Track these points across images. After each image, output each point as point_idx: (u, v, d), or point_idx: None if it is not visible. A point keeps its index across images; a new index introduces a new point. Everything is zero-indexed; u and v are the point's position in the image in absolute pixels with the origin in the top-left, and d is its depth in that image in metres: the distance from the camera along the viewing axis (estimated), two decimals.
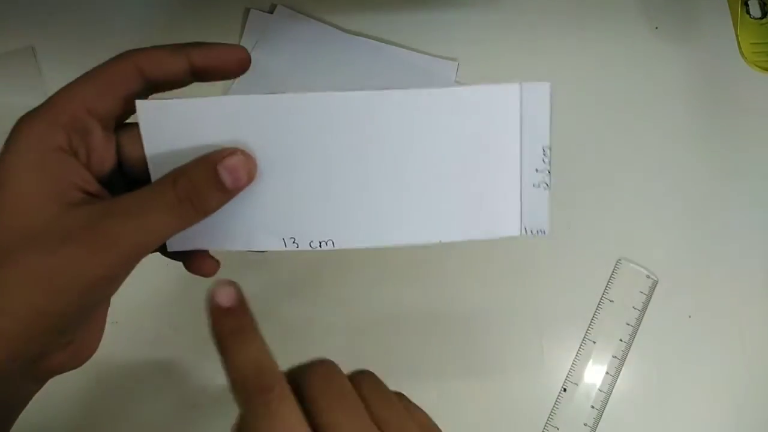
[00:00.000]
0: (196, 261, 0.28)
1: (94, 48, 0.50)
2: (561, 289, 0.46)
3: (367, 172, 0.26)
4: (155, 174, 0.25)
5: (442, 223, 0.27)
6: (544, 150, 0.26)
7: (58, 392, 0.43)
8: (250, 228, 0.26)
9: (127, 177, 0.26)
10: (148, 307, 0.45)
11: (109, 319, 0.44)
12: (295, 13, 0.50)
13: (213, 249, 0.28)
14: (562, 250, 0.46)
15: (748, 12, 0.47)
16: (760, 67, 0.46)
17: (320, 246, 0.27)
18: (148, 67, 0.25)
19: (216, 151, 0.24)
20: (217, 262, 0.28)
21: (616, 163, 0.48)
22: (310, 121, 0.25)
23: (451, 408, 0.44)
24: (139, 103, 0.25)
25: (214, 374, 0.44)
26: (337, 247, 0.27)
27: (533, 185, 0.27)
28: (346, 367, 0.42)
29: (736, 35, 0.46)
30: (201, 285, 0.45)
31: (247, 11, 0.50)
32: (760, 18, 0.47)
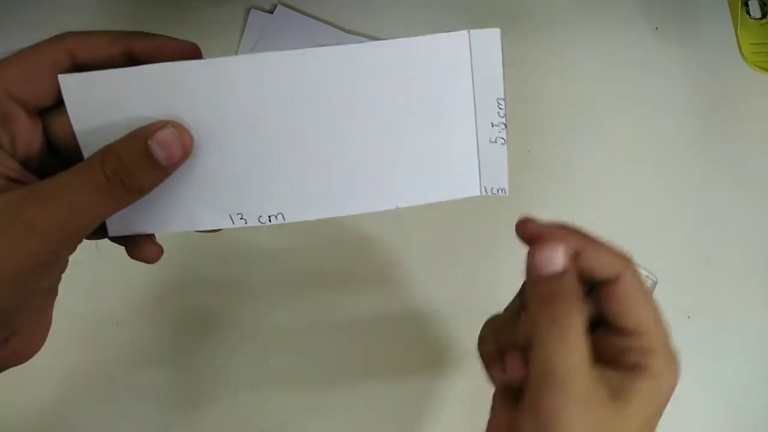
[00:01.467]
0: (138, 246, 0.26)
1: None
2: None
3: (313, 139, 0.24)
4: (87, 152, 0.24)
5: (398, 188, 0.25)
6: (498, 102, 0.24)
7: (58, 391, 0.43)
8: (194, 207, 0.25)
9: (64, 162, 0.24)
10: (148, 307, 0.45)
11: (110, 319, 0.45)
12: (295, 13, 0.50)
13: (157, 233, 0.26)
14: None
15: (748, 12, 0.47)
16: (760, 67, 0.45)
17: (270, 221, 0.25)
18: (81, 53, 0.23)
19: (146, 126, 0.23)
20: (160, 247, 0.27)
21: (616, 163, 0.48)
22: (248, 87, 0.23)
23: (451, 408, 0.44)
24: (61, 77, 0.23)
25: (214, 374, 0.44)
26: (288, 220, 0.25)
27: (490, 141, 0.25)
28: (346, 366, 0.42)
29: (736, 35, 0.46)
30: (201, 285, 0.45)
31: (247, 11, 0.50)
32: (760, 18, 0.47)
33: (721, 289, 0.46)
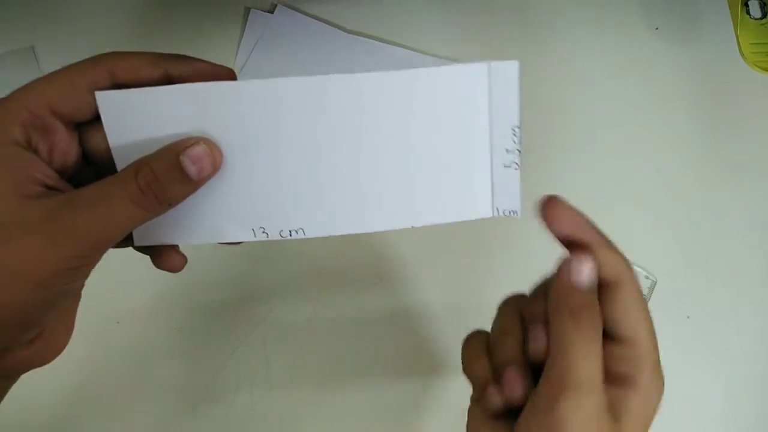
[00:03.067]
0: (163, 256, 0.27)
1: (93, 47, 0.50)
2: None
3: (336, 158, 0.25)
4: (120, 165, 0.25)
5: (414, 208, 0.26)
6: (513, 130, 0.25)
7: (58, 391, 0.43)
8: (219, 220, 0.26)
9: (98, 172, 0.26)
10: (149, 307, 0.45)
11: (111, 318, 0.45)
12: (295, 13, 0.50)
13: (181, 244, 0.27)
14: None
15: (748, 12, 0.47)
16: (760, 67, 0.46)
17: (290, 235, 0.26)
18: (121, 74, 0.24)
19: (179, 141, 0.24)
20: (184, 257, 0.28)
21: (616, 163, 0.48)
22: (276, 107, 0.25)
23: (450, 407, 0.44)
24: (98, 94, 0.24)
25: (214, 374, 0.44)
26: (308, 235, 0.26)
27: (504, 165, 0.26)
28: (346, 366, 0.42)
29: (736, 35, 0.46)
30: (202, 285, 0.45)
31: (247, 11, 0.50)
32: (760, 18, 0.47)
33: (721, 289, 0.46)
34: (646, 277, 0.46)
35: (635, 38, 0.50)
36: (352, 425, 0.44)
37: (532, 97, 0.48)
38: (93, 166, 0.26)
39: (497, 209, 0.27)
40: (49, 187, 0.23)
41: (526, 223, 0.46)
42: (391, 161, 0.26)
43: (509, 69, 0.25)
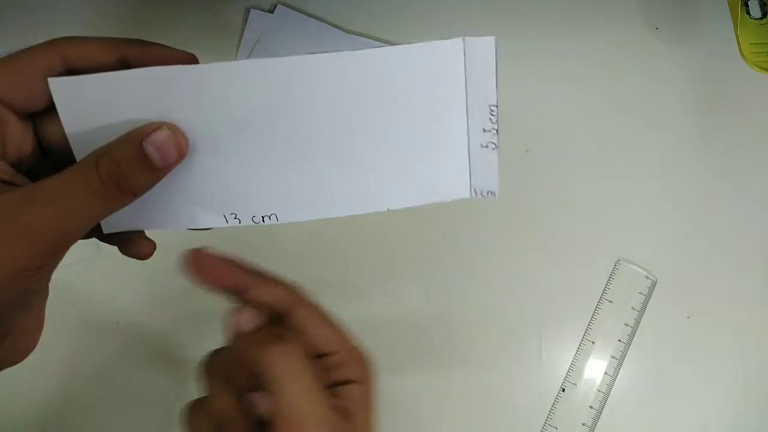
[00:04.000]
0: (130, 243, 0.26)
1: None
2: (560, 289, 0.46)
3: (307, 141, 0.25)
4: (79, 155, 0.24)
5: (389, 190, 0.26)
6: (491, 108, 0.25)
7: (58, 391, 0.43)
8: (188, 206, 0.25)
9: (56, 165, 0.25)
10: (148, 307, 0.45)
11: (111, 319, 0.45)
12: (295, 13, 0.50)
13: (151, 230, 0.26)
14: (561, 250, 0.46)
15: (748, 12, 0.47)
16: (760, 67, 0.45)
17: (263, 221, 0.26)
18: (75, 59, 0.23)
19: (141, 127, 0.23)
20: (153, 243, 0.27)
21: (616, 163, 0.48)
22: (242, 91, 0.24)
23: (449, 407, 0.44)
24: (51, 80, 0.23)
25: None
26: (281, 221, 0.26)
27: (481, 145, 0.25)
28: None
29: (736, 35, 0.46)
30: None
31: (247, 11, 0.50)
32: (760, 18, 0.47)
33: (721, 289, 0.46)
34: (646, 277, 0.46)
35: (635, 38, 0.50)
36: None
37: (530, 96, 0.48)
38: (50, 157, 0.25)
39: (475, 190, 0.26)
40: (4, 182, 0.22)
41: (523, 219, 0.46)
42: (365, 142, 0.25)
43: (486, 45, 0.24)
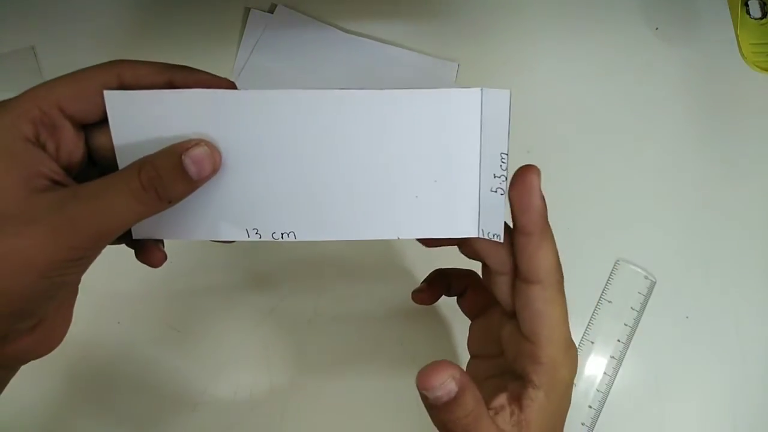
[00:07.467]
0: (147, 251, 0.29)
1: (93, 48, 0.50)
2: None
3: (328, 170, 0.27)
4: (123, 163, 0.26)
5: (402, 221, 0.27)
6: (501, 156, 0.26)
7: (58, 391, 0.43)
8: (215, 219, 0.27)
9: (101, 173, 0.26)
10: (149, 307, 0.45)
11: (111, 319, 0.45)
12: (295, 13, 0.50)
13: (179, 240, 0.28)
14: (560, 250, 0.46)
15: (748, 12, 0.47)
16: (760, 67, 0.45)
17: (282, 237, 0.27)
18: (129, 79, 0.26)
19: (181, 142, 0.25)
20: (165, 254, 0.29)
21: (616, 164, 0.48)
22: (272, 117, 0.26)
23: None
24: (107, 93, 0.25)
25: (214, 375, 0.44)
26: (298, 239, 0.27)
27: (491, 190, 0.27)
28: (347, 364, 0.42)
29: (736, 35, 0.46)
30: (202, 286, 0.46)
31: (247, 11, 0.50)
32: (760, 18, 0.47)
33: (720, 289, 0.46)
34: (646, 278, 0.46)
35: (635, 38, 0.50)
36: (354, 422, 0.44)
37: (530, 96, 0.48)
38: (97, 166, 0.27)
39: (482, 231, 0.28)
40: (55, 182, 0.24)
41: None
42: (381, 175, 0.27)
43: (501, 97, 0.26)
